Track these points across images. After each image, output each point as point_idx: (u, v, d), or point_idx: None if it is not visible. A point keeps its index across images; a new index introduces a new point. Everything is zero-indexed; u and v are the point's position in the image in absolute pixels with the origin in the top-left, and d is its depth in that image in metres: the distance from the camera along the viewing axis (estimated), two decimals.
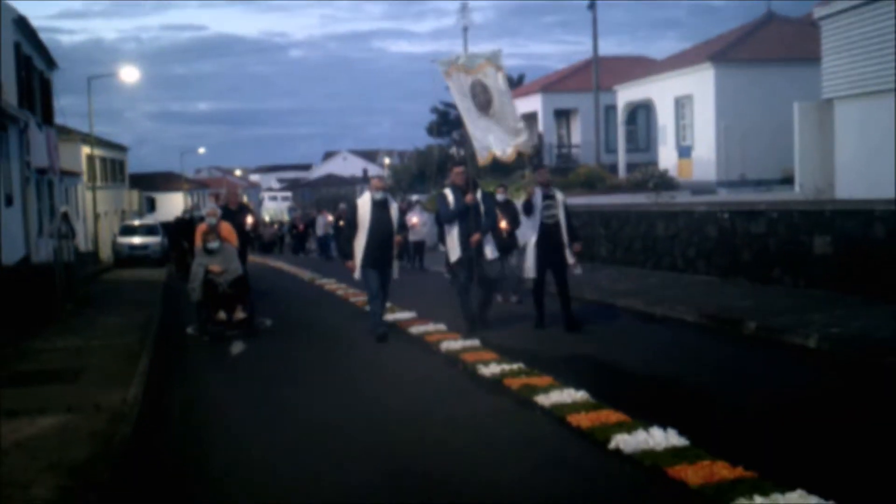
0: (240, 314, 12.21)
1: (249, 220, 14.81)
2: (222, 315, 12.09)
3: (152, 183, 66.39)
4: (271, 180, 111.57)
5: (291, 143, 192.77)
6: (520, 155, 11.89)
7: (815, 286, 12.91)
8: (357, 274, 11.34)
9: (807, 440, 6.27)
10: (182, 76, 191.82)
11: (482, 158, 11.81)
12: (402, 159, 74.77)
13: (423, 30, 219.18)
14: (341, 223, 29.07)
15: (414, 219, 22.53)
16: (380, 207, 11.34)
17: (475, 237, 11.22)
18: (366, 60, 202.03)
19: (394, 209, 11.60)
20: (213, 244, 12.47)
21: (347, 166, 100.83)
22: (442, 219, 11.82)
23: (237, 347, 11.24)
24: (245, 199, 72.88)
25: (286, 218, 68.06)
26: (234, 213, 14.42)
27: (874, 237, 11.93)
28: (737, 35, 30.12)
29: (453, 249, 11.39)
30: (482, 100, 11.46)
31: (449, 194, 11.48)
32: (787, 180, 22.60)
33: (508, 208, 13.93)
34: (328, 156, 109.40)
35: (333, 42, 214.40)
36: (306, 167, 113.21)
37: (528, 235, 11.59)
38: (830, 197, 18.24)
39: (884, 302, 11.28)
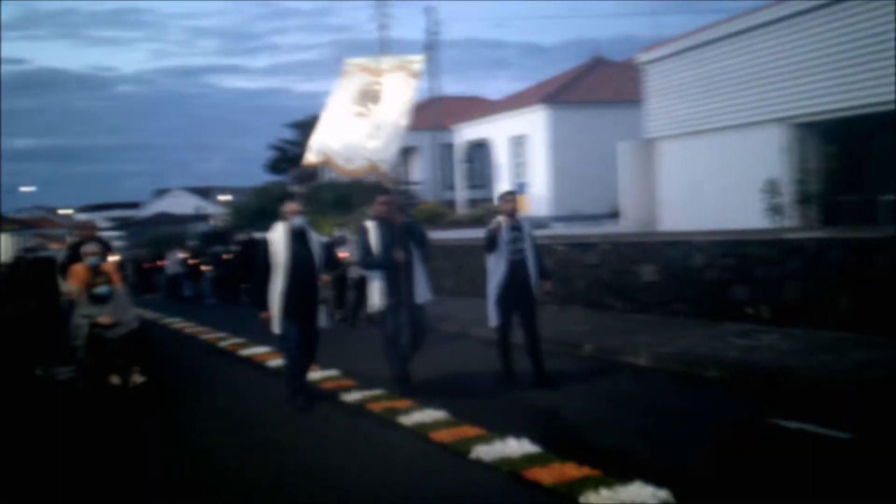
0: (137, 378, 10.10)
1: (112, 257, 12.60)
2: (115, 380, 9.97)
3: None
4: (100, 219, 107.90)
5: (120, 181, 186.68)
6: (374, 173, 10.02)
7: (644, 311, 14.04)
8: (276, 327, 9.02)
9: (641, 441, 7.11)
10: (2, 111, 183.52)
11: (310, 158, 10.02)
12: (237, 196, 73.99)
13: (257, 65, 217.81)
14: (191, 262, 28.46)
15: (344, 253, 17.33)
16: (298, 240, 9.07)
17: (399, 255, 9.31)
18: (198, 96, 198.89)
19: (315, 241, 9.28)
20: (102, 289, 10.36)
21: (180, 204, 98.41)
22: (361, 263, 10.07)
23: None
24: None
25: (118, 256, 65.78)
26: None
27: (694, 265, 13.15)
28: (568, 78, 31.86)
29: (376, 294, 9.52)
30: (362, 106, 9.84)
31: (371, 230, 9.55)
32: (615, 214, 24.08)
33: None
34: (159, 193, 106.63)
35: (164, 77, 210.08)
36: (136, 205, 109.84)
37: (490, 274, 9.76)
38: (653, 229, 19.70)
39: (704, 323, 12.48)
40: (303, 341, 9.05)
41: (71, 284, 10.81)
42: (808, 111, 16.77)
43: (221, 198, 75.02)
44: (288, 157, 64.22)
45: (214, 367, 12.51)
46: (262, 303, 9.03)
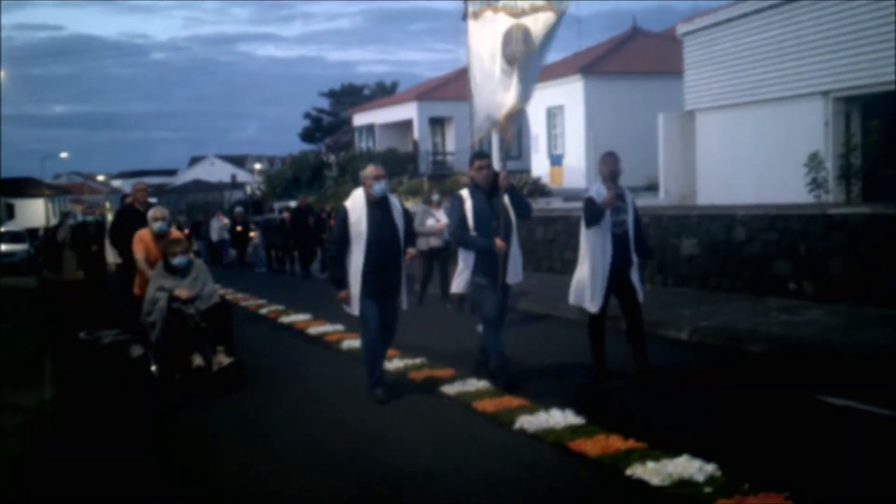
0: (223, 359, 8.80)
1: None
2: (198, 360, 8.67)
3: (10, 188, 63.85)
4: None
5: (155, 148, 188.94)
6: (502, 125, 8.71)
7: (684, 284, 13.99)
8: (354, 308, 8.00)
9: (685, 415, 7.14)
10: (38, 77, 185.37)
11: (479, 132, 8.87)
12: (271, 165, 74.35)
13: (290, 34, 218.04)
14: (238, 228, 26.99)
15: (443, 219, 14.21)
16: (379, 209, 7.92)
17: (500, 244, 8.14)
18: (231, 64, 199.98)
19: (397, 209, 8.07)
20: (181, 259, 9.15)
21: (215, 171, 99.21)
22: (453, 238, 8.83)
23: (136, 350, 10.76)
24: (106, 204, 70.94)
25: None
26: (143, 215, 11.10)
27: (736, 239, 13.07)
28: (605, 48, 31.60)
29: (465, 273, 8.38)
30: (514, 49, 8.38)
31: (467, 199, 8.34)
32: (652, 187, 23.95)
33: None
34: (195, 161, 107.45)
35: (198, 44, 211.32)
36: (171, 172, 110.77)
37: (587, 250, 8.35)
38: (693, 203, 19.58)
39: (745, 298, 12.42)
40: (381, 322, 8.04)
41: (137, 253, 9.94)
42: (850, 84, 16.56)
43: (256, 166, 75.28)
44: (322, 126, 64.42)
45: (257, 334, 12.62)
46: (340, 280, 7.97)
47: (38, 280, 25.99)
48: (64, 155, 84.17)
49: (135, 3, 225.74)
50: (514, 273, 8.44)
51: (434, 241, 14.22)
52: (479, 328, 9.00)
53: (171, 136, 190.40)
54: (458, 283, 8.52)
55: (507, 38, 8.40)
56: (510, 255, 8.31)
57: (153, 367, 9.24)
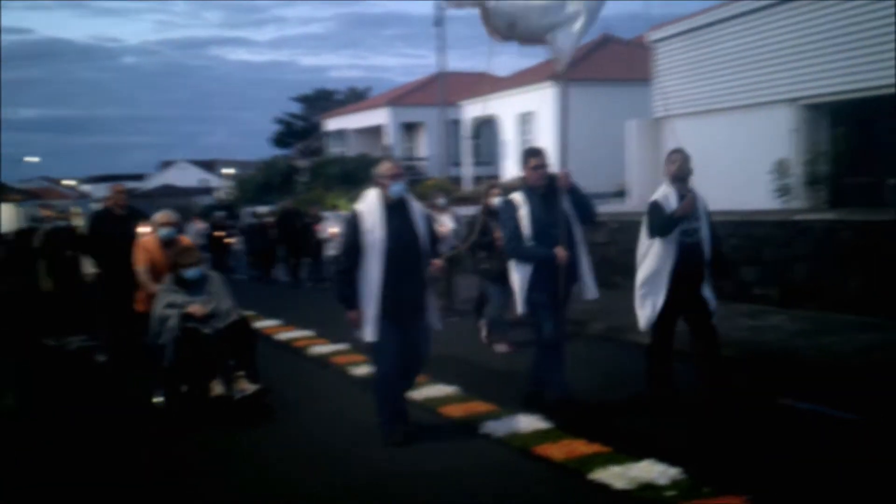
0: (245, 385, 7.61)
1: (148, 228, 9.70)
2: (218, 388, 7.53)
3: None
4: (104, 190, 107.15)
5: (125, 153, 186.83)
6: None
7: None
8: (368, 333, 6.59)
9: (652, 420, 7.15)
10: (6, 81, 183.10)
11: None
12: (241, 169, 73.92)
13: (262, 38, 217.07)
14: (218, 233, 24.42)
15: (447, 224, 13.59)
16: (398, 213, 6.70)
17: (562, 253, 7.10)
18: (202, 68, 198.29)
19: (418, 213, 6.82)
20: (194, 272, 8.01)
21: (185, 176, 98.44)
22: (507, 250, 7.55)
23: (102, 357, 10.61)
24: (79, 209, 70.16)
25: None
26: (122, 219, 10.48)
27: None
28: (576, 55, 31.73)
29: (523, 290, 7.33)
30: None
31: (522, 204, 7.34)
32: (621, 193, 24.05)
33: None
34: (165, 165, 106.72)
35: (169, 49, 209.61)
36: (140, 177, 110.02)
37: (650, 261, 7.27)
38: None
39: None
40: (404, 349, 6.69)
41: (139, 264, 8.83)
42: (817, 92, 16.71)
43: (225, 171, 74.90)
44: (293, 131, 64.21)
45: None
46: (348, 298, 6.61)
47: (6, 285, 25.62)
48: (33, 159, 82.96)
49: (105, 5, 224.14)
50: (589, 288, 7.45)
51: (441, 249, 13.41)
52: (499, 349, 9.60)
53: (141, 140, 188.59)
54: (520, 302, 7.40)
55: None
56: (579, 266, 7.33)
57: (157, 399, 7.86)
